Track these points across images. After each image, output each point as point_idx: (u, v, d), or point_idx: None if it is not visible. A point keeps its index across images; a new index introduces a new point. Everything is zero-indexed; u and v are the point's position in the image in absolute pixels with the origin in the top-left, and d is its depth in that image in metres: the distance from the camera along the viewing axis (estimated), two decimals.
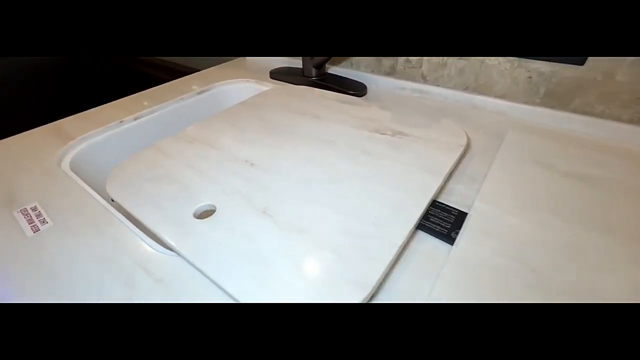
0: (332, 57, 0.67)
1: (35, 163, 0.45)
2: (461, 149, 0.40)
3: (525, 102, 0.50)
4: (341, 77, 0.64)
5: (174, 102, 0.62)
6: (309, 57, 0.62)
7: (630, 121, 0.43)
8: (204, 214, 0.34)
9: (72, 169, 0.46)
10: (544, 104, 0.48)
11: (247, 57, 0.83)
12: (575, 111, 0.46)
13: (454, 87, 0.55)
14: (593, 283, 0.26)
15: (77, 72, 1.31)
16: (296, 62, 0.73)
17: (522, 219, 0.31)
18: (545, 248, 0.28)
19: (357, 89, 0.60)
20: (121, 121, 0.55)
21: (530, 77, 0.48)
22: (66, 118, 0.57)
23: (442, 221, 0.32)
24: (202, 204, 0.34)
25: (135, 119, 0.57)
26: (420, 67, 0.57)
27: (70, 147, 0.49)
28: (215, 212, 0.33)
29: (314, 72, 0.64)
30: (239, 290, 0.26)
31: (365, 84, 0.62)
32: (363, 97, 0.59)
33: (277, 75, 0.69)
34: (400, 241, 0.28)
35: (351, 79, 0.63)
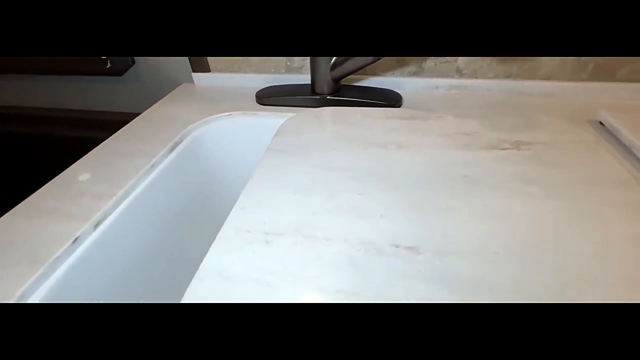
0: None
1: None
2: (599, 145, 0.35)
3: (572, 80, 0.48)
4: (361, 87, 0.52)
5: (145, 174, 0.39)
6: (327, 69, 0.47)
7: None
8: None
9: None
10: (591, 78, 0.48)
11: (195, 82, 0.61)
12: (621, 80, 0.47)
13: (496, 77, 0.50)
14: None
15: None
16: (281, 79, 0.56)
17: None
18: None
19: (391, 99, 0.49)
20: (75, 239, 0.30)
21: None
22: None
23: None
24: None
25: (96, 225, 0.32)
26: (456, 60, 0.50)
27: None
28: None
29: (327, 87, 0.49)
30: None
31: (392, 89, 0.51)
32: (400, 106, 0.49)
33: (271, 99, 0.51)
34: None
35: (374, 87, 0.52)
